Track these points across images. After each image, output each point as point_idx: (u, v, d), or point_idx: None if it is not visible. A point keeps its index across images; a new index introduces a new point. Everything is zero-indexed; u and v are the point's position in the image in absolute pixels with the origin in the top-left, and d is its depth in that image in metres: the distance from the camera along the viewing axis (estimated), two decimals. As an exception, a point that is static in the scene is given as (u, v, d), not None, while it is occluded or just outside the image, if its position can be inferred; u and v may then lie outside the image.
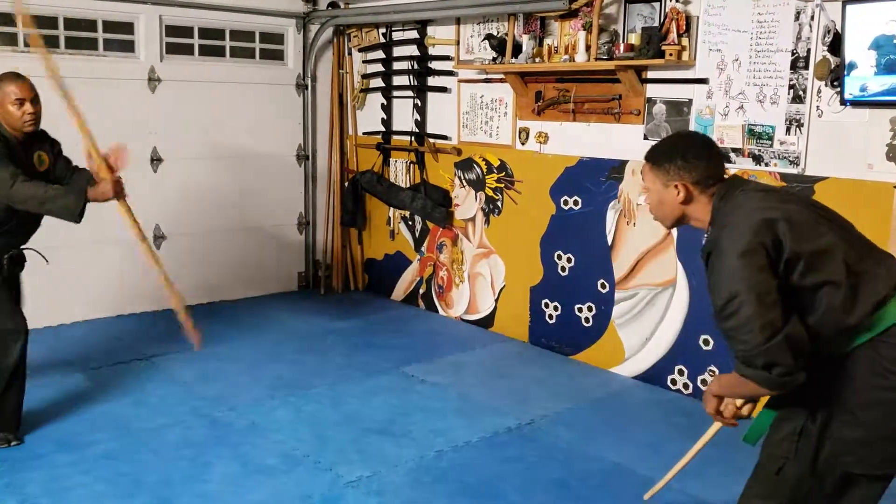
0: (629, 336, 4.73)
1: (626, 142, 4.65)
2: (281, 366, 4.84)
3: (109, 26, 5.47)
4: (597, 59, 4.53)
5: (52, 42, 5.22)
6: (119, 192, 3.64)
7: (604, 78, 4.68)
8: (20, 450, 3.62)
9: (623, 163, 4.67)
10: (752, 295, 1.92)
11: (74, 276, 5.44)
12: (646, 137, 4.56)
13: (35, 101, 3.62)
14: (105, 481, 3.38)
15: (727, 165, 2.63)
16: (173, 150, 5.81)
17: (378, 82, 6.33)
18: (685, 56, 4.28)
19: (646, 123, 4.56)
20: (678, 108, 4.40)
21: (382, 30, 6.18)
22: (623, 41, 4.51)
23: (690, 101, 4.34)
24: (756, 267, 1.95)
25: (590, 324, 4.94)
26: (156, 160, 5.74)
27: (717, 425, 2.37)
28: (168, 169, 5.79)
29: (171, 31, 5.76)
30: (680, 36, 4.25)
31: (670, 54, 4.23)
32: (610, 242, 4.76)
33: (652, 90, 4.52)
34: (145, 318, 5.70)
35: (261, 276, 6.43)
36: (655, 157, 2.23)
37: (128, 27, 5.55)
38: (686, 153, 2.17)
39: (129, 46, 5.58)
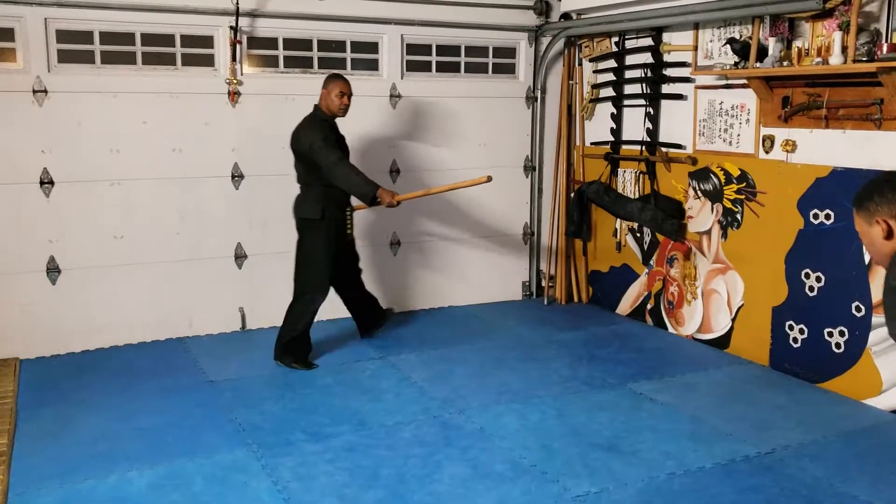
0: (888, 365, 4.27)
1: (889, 150, 4.21)
2: (506, 373, 4.91)
3: (357, 47, 5.87)
4: (855, 60, 4.16)
5: (306, 63, 5.71)
6: (391, 206, 4.88)
7: (863, 81, 4.28)
8: (275, 435, 3.97)
9: (886, 174, 4.21)
10: None
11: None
12: (914, 145, 4.10)
13: (350, 96, 4.93)
14: (346, 472, 3.60)
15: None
16: (410, 162, 6.12)
17: (608, 91, 6.24)
18: (965, 54, 3.80)
19: (914, 130, 4.10)
20: (955, 113, 3.91)
21: (615, 38, 6.10)
22: (886, 41, 4.10)
23: (971, 103, 3.85)
24: None
25: (841, 350, 4.51)
26: (394, 171, 6.07)
27: None
28: (405, 180, 6.09)
29: (412, 49, 6.06)
30: (959, 31, 3.78)
31: (946, 52, 3.78)
32: (867, 261, 4.33)
33: (922, 93, 4.06)
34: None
35: (487, 284, 6.57)
36: (856, 201, 2.29)
37: (372, 47, 5.92)
38: (882, 189, 2.22)
39: (373, 65, 5.96)
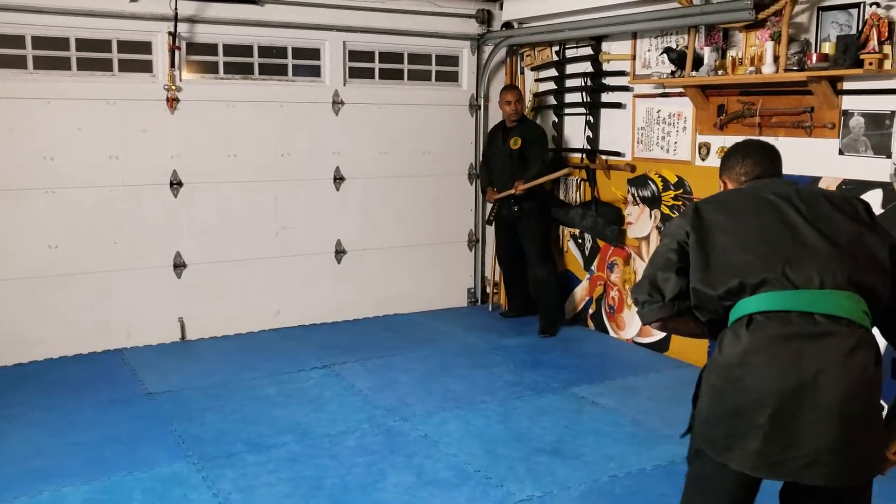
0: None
1: (818, 157, 4.36)
2: (451, 380, 4.92)
3: (298, 53, 5.83)
4: (786, 70, 4.30)
5: (246, 69, 5.64)
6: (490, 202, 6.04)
7: (794, 90, 4.43)
8: (216, 447, 3.91)
9: (816, 179, 4.37)
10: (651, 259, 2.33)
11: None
12: (841, 152, 4.25)
13: (517, 102, 5.83)
14: (288, 482, 3.56)
15: None
16: (354, 169, 6.09)
17: (550, 100, 6.33)
18: (887, 65, 3.97)
19: (841, 137, 4.25)
20: (878, 121, 4.08)
21: (556, 48, 6.18)
22: (815, 51, 4.25)
23: (893, 112, 4.01)
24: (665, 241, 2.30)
25: (775, 351, 4.64)
26: (338, 179, 6.03)
27: None
28: (350, 187, 6.07)
29: (354, 56, 6.05)
30: (881, 43, 3.94)
31: (870, 63, 3.93)
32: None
33: (848, 102, 4.22)
34: (327, 328, 5.99)
35: (432, 291, 6.57)
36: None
37: (314, 53, 5.89)
38: (729, 155, 2.46)
39: (315, 72, 5.92)
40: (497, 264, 6.47)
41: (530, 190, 5.74)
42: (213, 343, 5.61)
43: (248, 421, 4.24)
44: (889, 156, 4.05)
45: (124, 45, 5.23)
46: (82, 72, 5.12)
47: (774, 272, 2.04)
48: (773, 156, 2.44)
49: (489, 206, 6.13)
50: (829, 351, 1.96)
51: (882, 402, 2.07)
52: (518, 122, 5.87)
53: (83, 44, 5.11)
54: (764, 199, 2.21)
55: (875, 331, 2.11)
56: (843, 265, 2.04)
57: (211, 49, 5.52)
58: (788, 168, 4.45)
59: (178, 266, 5.53)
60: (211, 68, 5.55)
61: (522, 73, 6.53)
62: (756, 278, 2.06)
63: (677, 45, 5.06)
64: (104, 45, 5.17)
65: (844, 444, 1.96)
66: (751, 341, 2.03)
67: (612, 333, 5.87)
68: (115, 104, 5.19)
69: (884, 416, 2.14)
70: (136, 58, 5.28)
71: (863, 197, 4.15)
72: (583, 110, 5.98)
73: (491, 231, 6.74)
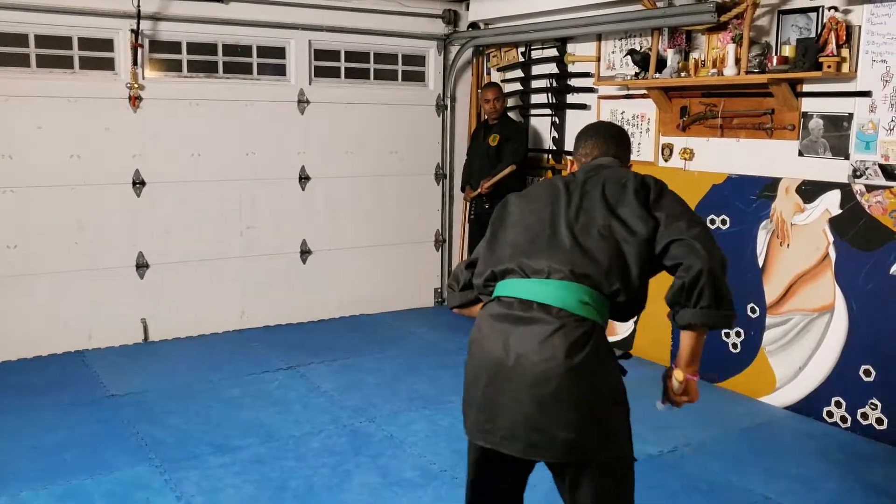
0: (781, 364, 4.48)
1: (779, 158, 4.44)
2: (417, 379, 4.92)
3: (263, 51, 5.79)
4: (747, 72, 4.37)
5: (210, 67, 5.59)
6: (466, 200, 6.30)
7: (755, 92, 4.50)
8: (179, 450, 3.86)
9: (776, 180, 4.44)
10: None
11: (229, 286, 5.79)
12: (801, 154, 4.33)
13: (496, 100, 5.90)
14: (254, 484, 3.53)
15: None
16: (320, 169, 6.06)
17: (516, 101, 6.35)
18: (845, 68, 4.05)
19: (801, 139, 4.33)
20: (837, 123, 4.15)
21: (521, 49, 6.21)
22: (776, 53, 4.33)
23: (851, 115, 4.09)
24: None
25: (738, 350, 4.71)
26: (304, 178, 5.99)
27: None
28: (315, 187, 6.03)
29: (320, 55, 6.01)
30: (839, 47, 4.02)
31: (828, 66, 4.01)
32: (761, 264, 4.54)
33: (808, 104, 4.30)
34: (292, 329, 5.95)
35: (399, 291, 6.56)
36: None
37: (279, 52, 5.85)
38: (576, 138, 2.54)
39: (280, 70, 5.88)
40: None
41: (499, 189, 5.75)
42: (177, 344, 5.55)
43: (212, 423, 4.20)
44: (847, 157, 4.14)
45: (85, 43, 5.15)
46: (42, 69, 5.03)
47: (516, 262, 2.21)
48: (612, 137, 2.48)
49: (469, 205, 6.19)
50: (529, 335, 2.11)
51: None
52: (499, 120, 5.95)
53: (43, 40, 5.02)
54: (554, 190, 2.32)
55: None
56: (571, 259, 2.15)
57: (174, 47, 5.45)
58: (750, 168, 4.56)
59: (141, 266, 5.46)
60: (174, 66, 5.48)
61: (489, 73, 6.54)
62: (502, 267, 2.24)
63: (641, 47, 5.11)
64: (64, 41, 5.08)
65: (536, 422, 2.10)
66: (478, 321, 2.25)
67: (577, 333, 5.90)
68: (75, 102, 5.10)
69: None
70: (97, 55, 5.20)
71: (823, 196, 4.24)
72: (548, 111, 6.02)
73: (457, 231, 6.77)
